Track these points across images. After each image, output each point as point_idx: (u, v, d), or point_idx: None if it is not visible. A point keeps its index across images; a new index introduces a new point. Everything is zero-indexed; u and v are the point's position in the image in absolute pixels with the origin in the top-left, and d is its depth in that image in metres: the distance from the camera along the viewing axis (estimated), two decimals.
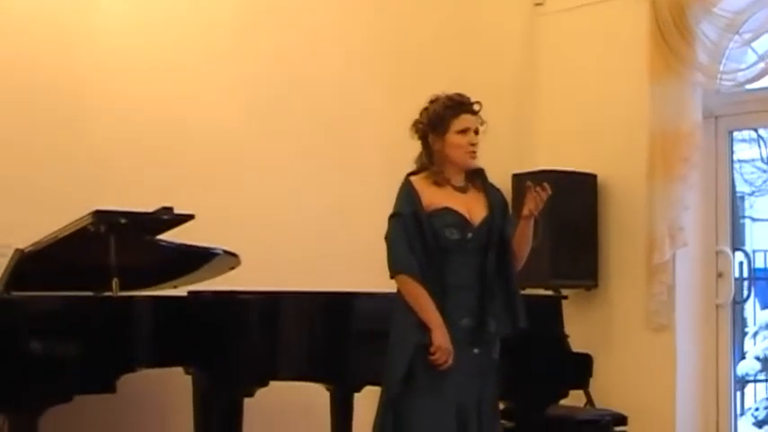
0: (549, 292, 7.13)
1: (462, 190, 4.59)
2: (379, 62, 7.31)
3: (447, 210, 4.49)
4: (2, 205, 5.91)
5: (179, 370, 5.66)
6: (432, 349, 4.36)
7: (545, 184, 4.53)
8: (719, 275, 7.24)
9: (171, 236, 5.39)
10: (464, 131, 4.55)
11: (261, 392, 5.35)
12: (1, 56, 6.06)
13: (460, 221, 4.51)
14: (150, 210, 5.26)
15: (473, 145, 4.56)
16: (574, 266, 7.37)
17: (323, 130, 7.06)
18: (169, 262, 5.50)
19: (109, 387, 4.90)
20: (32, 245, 5.14)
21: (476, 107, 4.63)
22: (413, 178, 4.59)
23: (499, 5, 7.98)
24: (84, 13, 6.31)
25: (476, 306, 4.48)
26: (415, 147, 4.73)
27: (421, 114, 4.64)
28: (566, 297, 6.11)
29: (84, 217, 5.05)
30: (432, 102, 4.63)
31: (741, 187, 7.76)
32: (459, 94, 4.64)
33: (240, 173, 6.77)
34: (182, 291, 5.71)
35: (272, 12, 6.95)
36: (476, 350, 4.47)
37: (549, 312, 5.77)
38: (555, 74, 7.96)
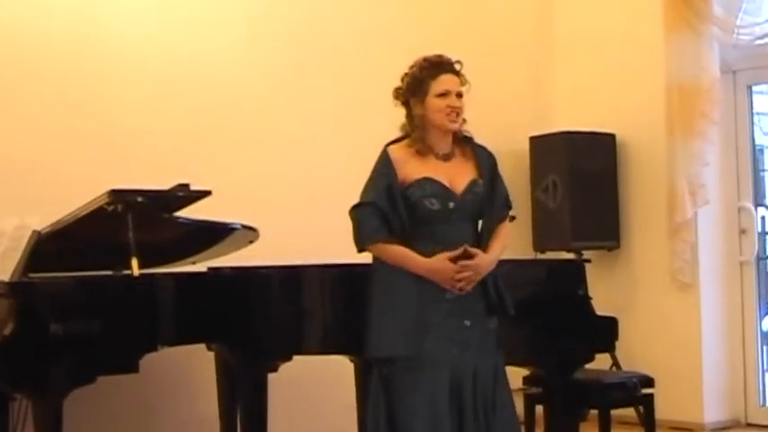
0: (571, 256, 7.13)
1: (446, 158, 4.38)
2: (397, 26, 7.26)
3: (426, 179, 4.30)
4: (19, 186, 5.91)
5: (201, 347, 5.62)
6: (446, 285, 4.25)
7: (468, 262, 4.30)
8: (742, 232, 7.23)
9: (189, 212, 5.34)
10: (444, 94, 4.32)
11: (284, 366, 5.30)
12: (19, 39, 6.09)
13: (441, 191, 4.31)
14: (167, 187, 5.20)
15: (453, 108, 4.40)
16: (595, 228, 7.37)
17: (343, 100, 7.04)
18: (187, 238, 5.46)
19: (132, 367, 4.86)
20: (50, 226, 5.09)
21: (456, 66, 4.42)
22: (391, 148, 4.40)
23: None
24: None
25: None
26: None
27: (401, 80, 4.47)
28: (588, 260, 6.05)
29: (100, 196, 4.99)
30: (411, 66, 4.48)
31: (761, 140, 7.67)
32: (438, 55, 4.40)
33: (256, 147, 6.75)
34: (201, 267, 5.69)
35: None
36: (466, 322, 4.31)
37: (573, 277, 5.68)
38: (570, 33, 7.93)
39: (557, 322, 5.49)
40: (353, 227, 4.37)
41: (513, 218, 5.75)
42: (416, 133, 4.35)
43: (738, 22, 6.91)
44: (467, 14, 7.58)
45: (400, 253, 4.28)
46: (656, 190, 7.24)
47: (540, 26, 7.99)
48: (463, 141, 4.45)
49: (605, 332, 5.68)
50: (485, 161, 4.44)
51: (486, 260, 4.30)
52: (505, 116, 7.46)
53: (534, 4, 8.00)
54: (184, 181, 5.22)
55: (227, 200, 5.63)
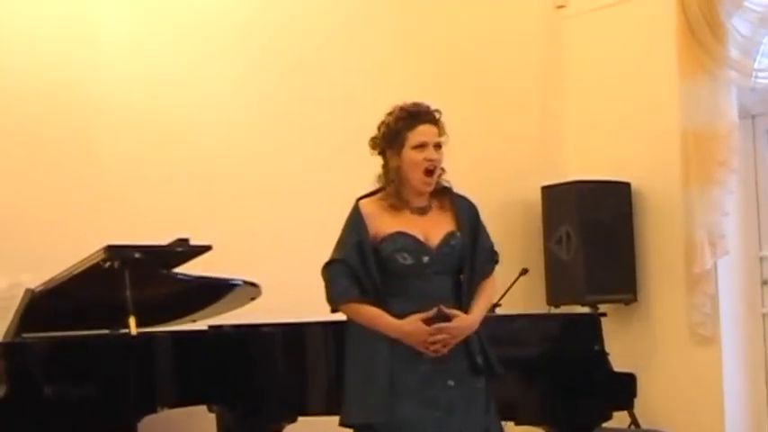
0: (586, 309, 6.97)
1: (422, 211, 4.26)
2: (400, 70, 7.11)
3: (399, 234, 4.18)
4: (10, 243, 5.79)
5: (202, 408, 5.51)
6: (420, 348, 4.11)
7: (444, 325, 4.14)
8: (765, 282, 7.05)
9: (188, 268, 5.25)
10: (421, 146, 4.21)
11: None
12: (10, 90, 6.01)
13: (414, 245, 4.18)
14: (165, 242, 5.13)
15: (431, 161, 4.24)
16: (611, 280, 7.19)
17: (346, 149, 6.81)
18: (187, 295, 5.36)
19: (130, 430, 4.75)
20: (43, 284, 5.01)
21: (435, 115, 4.28)
22: (363, 202, 4.30)
23: (519, 10, 7.79)
24: (91, 41, 6.27)
25: None
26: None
27: (378, 128, 4.36)
28: (605, 314, 5.93)
29: (96, 253, 4.92)
30: (387, 114, 4.35)
31: None
32: (415, 104, 4.29)
33: (258, 202, 6.63)
34: (201, 325, 5.58)
35: (284, 31, 6.86)
36: (450, 382, 4.15)
37: (588, 331, 5.57)
38: (581, 80, 7.80)
39: (572, 379, 5.36)
40: (325, 286, 4.27)
41: (525, 271, 5.62)
42: (391, 187, 4.25)
43: (756, 65, 6.75)
44: (474, 61, 7.44)
45: (371, 314, 4.15)
46: (674, 240, 7.05)
47: (550, 72, 7.85)
48: (441, 192, 4.32)
49: (623, 389, 5.57)
50: (464, 212, 4.31)
51: (466, 322, 4.16)
52: (516, 166, 7.33)
53: (543, 49, 7.88)
54: (184, 235, 5.14)
55: (228, 254, 5.52)
